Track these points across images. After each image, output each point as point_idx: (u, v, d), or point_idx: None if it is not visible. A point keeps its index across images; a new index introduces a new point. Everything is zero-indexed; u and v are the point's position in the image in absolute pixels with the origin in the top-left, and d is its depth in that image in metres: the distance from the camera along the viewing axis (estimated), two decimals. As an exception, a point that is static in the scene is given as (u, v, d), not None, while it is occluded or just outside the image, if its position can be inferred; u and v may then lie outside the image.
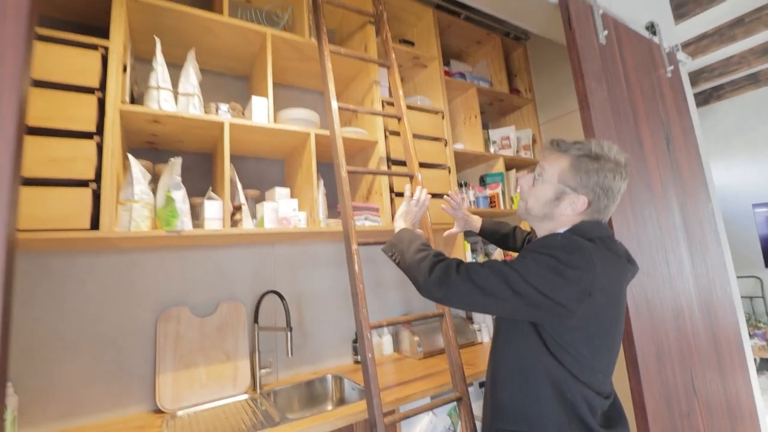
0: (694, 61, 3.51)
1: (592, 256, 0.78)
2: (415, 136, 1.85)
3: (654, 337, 1.14)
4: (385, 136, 1.85)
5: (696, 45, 3.36)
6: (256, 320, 1.66)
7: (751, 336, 3.83)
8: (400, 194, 1.82)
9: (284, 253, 1.86)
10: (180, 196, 1.27)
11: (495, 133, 2.41)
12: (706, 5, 2.67)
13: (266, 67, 1.60)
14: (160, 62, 1.33)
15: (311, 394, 1.68)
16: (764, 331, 3.85)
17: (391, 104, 1.89)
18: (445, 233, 1.39)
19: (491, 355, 0.96)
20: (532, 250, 0.81)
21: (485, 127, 2.75)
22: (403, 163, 1.83)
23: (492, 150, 2.36)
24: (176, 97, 1.38)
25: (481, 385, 1.62)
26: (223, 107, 1.53)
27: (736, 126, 4.43)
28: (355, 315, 1.24)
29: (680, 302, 1.28)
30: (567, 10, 1.27)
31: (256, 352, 1.62)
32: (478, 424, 1.48)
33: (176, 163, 1.28)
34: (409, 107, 1.92)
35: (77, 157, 1.14)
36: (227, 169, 1.40)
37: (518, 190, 1.02)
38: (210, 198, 1.39)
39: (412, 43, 2.22)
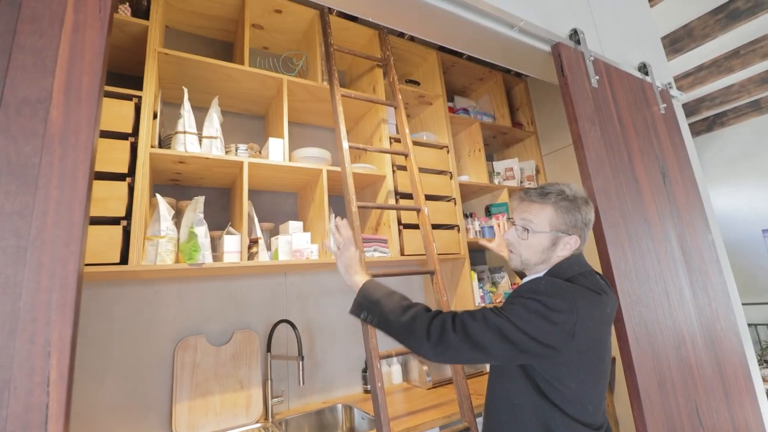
0: (694, 90, 3.60)
1: (574, 298, 0.82)
2: (421, 170, 1.95)
3: (656, 367, 1.17)
4: (393, 171, 1.95)
5: (695, 76, 3.47)
6: (269, 349, 1.71)
7: (764, 365, 3.72)
8: (409, 226, 1.89)
9: (296, 282, 1.93)
10: (202, 232, 1.37)
11: (499, 165, 2.51)
12: (700, 41, 2.80)
13: (282, 109, 1.73)
14: (187, 109, 1.46)
15: (322, 424, 1.71)
16: (782, 360, 3.74)
17: (398, 140, 2.00)
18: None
19: (487, 390, 0.98)
20: (520, 296, 0.86)
21: (490, 158, 2.85)
22: (410, 196, 1.92)
23: (496, 181, 2.45)
24: (200, 139, 1.50)
25: (490, 415, 1.64)
26: (242, 147, 1.64)
27: (741, 152, 4.47)
28: (365, 344, 1.30)
29: (682, 332, 1.31)
30: (559, 58, 1.38)
31: (269, 381, 1.66)
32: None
33: (200, 201, 1.39)
34: (415, 143, 2.03)
35: (111, 197, 1.25)
36: (245, 204, 1.50)
37: (504, 239, 1.03)
38: (229, 233, 1.48)
39: (417, 83, 2.36)
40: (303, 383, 1.54)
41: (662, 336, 1.23)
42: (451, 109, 2.43)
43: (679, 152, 1.74)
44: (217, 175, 1.65)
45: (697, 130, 4.65)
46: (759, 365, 3.77)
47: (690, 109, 4.12)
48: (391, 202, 1.89)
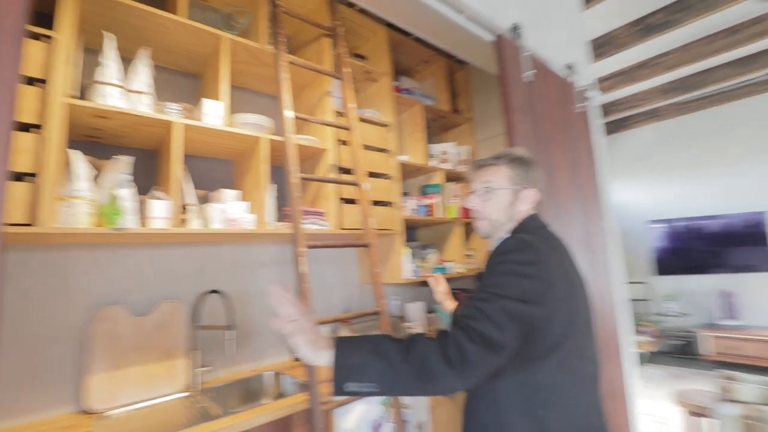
0: (608, 94, 4.03)
1: (538, 247, 0.84)
2: (364, 146, 1.98)
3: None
4: (335, 145, 1.95)
5: (611, 81, 3.88)
6: (197, 319, 1.67)
7: (640, 333, 4.47)
8: (348, 200, 1.93)
9: (228, 253, 1.88)
10: (126, 194, 1.28)
11: (436, 148, 2.62)
12: (619, 48, 3.13)
13: (221, 70, 1.63)
14: (111, 58, 1.32)
15: (251, 390, 1.73)
16: (651, 328, 4.51)
17: (342, 115, 1.99)
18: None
19: (466, 419, 0.94)
20: (492, 266, 0.86)
21: (428, 140, 2.96)
22: (350, 171, 1.95)
23: (433, 163, 2.56)
24: (126, 93, 1.37)
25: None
26: (174, 106, 1.53)
27: (639, 152, 5.13)
28: (300, 313, 1.33)
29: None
30: (499, 51, 1.48)
31: (196, 351, 1.63)
32: (407, 412, 1.64)
33: (125, 161, 1.28)
34: (360, 119, 2.04)
35: (17, 150, 1.11)
36: (177, 168, 1.42)
37: (469, 214, 1.07)
38: (157, 197, 1.40)
39: (364, 58, 2.35)
40: (230, 352, 1.54)
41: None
42: (396, 88, 2.46)
43: (590, 148, 1.98)
44: (143, 134, 1.52)
45: (608, 130, 5.22)
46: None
47: (606, 109, 4.60)
48: (332, 175, 1.90)
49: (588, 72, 2.29)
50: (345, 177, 1.91)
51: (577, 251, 1.65)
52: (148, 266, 1.64)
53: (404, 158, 2.35)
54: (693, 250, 4.64)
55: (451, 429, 1.96)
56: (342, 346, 0.74)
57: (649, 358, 4.61)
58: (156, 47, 1.61)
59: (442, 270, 2.45)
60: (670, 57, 3.44)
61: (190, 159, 1.80)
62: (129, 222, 1.26)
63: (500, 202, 0.98)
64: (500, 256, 0.85)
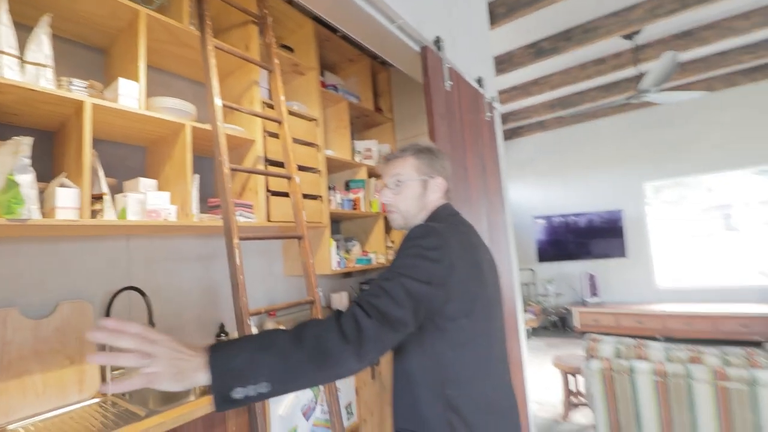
0: (506, 105, 4.58)
1: (444, 233, 0.87)
2: (293, 140, 1.99)
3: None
4: (263, 137, 1.93)
5: (509, 93, 4.41)
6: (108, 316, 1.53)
7: (525, 311, 5.21)
8: (276, 193, 1.93)
9: (142, 247, 1.75)
10: (27, 181, 1.13)
11: (360, 144, 2.73)
12: (516, 65, 3.58)
13: (137, 47, 1.50)
14: (4, 22, 1.14)
15: (172, 392, 1.64)
16: (534, 308, 5.29)
17: (271, 106, 1.98)
18: None
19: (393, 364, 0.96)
20: (401, 250, 0.87)
21: (352, 137, 3.05)
22: (277, 164, 1.95)
23: (357, 159, 2.66)
24: (23, 65, 1.20)
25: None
26: (78, 83, 1.37)
27: (528, 158, 5.92)
28: (235, 304, 1.33)
29: (485, 286, 1.80)
30: (425, 60, 1.63)
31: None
32: (336, 394, 1.74)
33: (24, 143, 1.13)
34: (289, 113, 2.04)
35: None
36: (87, 154, 1.29)
37: (384, 208, 1.07)
38: (63, 185, 1.25)
39: (291, 49, 2.34)
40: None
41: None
42: (322, 84, 2.50)
43: (494, 152, 2.28)
44: (41, 113, 1.34)
45: (505, 136, 5.91)
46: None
47: (504, 118, 5.20)
48: (260, 167, 1.88)
49: (493, 85, 2.61)
50: (277, 170, 1.91)
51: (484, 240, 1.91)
52: (46, 263, 1.45)
53: (330, 153, 2.41)
54: (567, 241, 5.53)
55: (377, 407, 2.11)
56: (219, 352, 0.63)
57: (532, 333, 5.40)
58: (57, 14, 1.42)
59: (366, 261, 2.57)
60: (554, 77, 4.06)
61: (98, 143, 1.63)
62: (33, 212, 1.12)
63: (411, 193, 0.99)
64: (408, 241, 0.87)
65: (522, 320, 2.37)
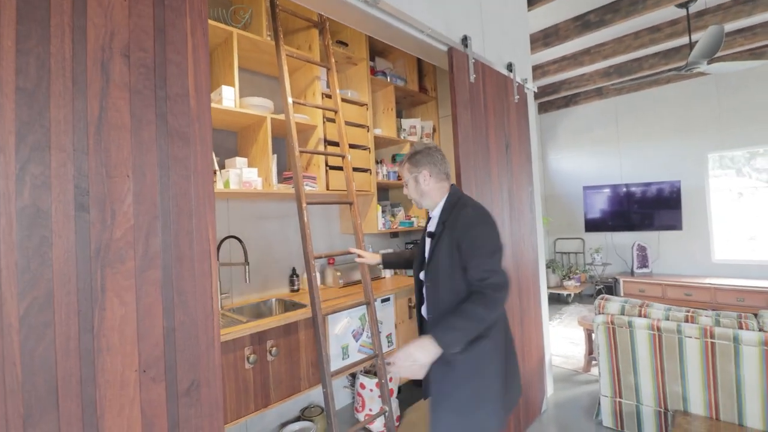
0: (558, 74, 4.58)
1: (481, 204, 1.38)
2: (345, 123, 2.45)
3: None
4: (324, 122, 2.41)
5: (559, 64, 4.42)
6: (217, 257, 2.17)
7: (570, 278, 5.39)
8: (333, 167, 2.43)
9: (237, 208, 2.36)
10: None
11: (405, 122, 3.11)
12: (563, 39, 3.64)
13: (232, 58, 2.03)
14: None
15: (261, 311, 2.29)
16: (579, 276, 5.43)
17: (329, 96, 2.44)
18: (357, 260, 1.93)
19: (431, 296, 1.36)
20: (468, 230, 1.27)
21: (398, 115, 3.43)
22: (335, 143, 2.43)
23: (402, 136, 3.06)
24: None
25: (384, 300, 2.41)
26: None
27: (584, 126, 5.81)
28: (304, 250, 1.87)
29: (499, 247, 2.17)
30: (451, 60, 1.97)
31: (217, 282, 2.15)
32: (380, 325, 2.25)
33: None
34: (342, 100, 2.49)
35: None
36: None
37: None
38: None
39: (346, 44, 2.75)
40: (249, 281, 2.07)
41: (487, 247, 2.06)
42: (372, 70, 2.89)
43: (522, 131, 2.55)
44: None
45: (557, 105, 5.84)
46: (565, 278, 5.39)
47: (555, 88, 5.18)
48: (321, 148, 2.38)
49: (527, 66, 2.81)
50: (333, 149, 2.40)
51: (503, 211, 2.26)
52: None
53: (378, 132, 2.84)
54: (619, 211, 5.49)
55: (411, 339, 2.64)
56: (438, 336, 1.15)
57: (574, 298, 5.58)
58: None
59: (409, 224, 3.04)
60: (607, 47, 4.01)
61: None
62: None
63: (413, 188, 1.45)
64: (472, 224, 1.28)
65: (544, 282, 2.71)
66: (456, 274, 1.29)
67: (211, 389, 1.01)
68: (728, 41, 3.68)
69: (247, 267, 2.08)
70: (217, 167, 1.96)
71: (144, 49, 0.91)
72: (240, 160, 2.11)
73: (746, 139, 4.53)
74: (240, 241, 2.11)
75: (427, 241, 1.44)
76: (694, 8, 3.25)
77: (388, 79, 2.95)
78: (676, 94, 4.99)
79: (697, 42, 2.83)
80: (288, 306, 2.25)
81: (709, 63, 2.97)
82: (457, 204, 1.38)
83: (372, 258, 1.94)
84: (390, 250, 3.09)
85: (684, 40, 3.78)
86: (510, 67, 2.48)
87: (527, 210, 2.52)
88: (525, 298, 2.41)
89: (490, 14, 2.40)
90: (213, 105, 1.90)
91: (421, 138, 3.20)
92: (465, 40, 2.05)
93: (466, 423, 1.25)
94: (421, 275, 1.44)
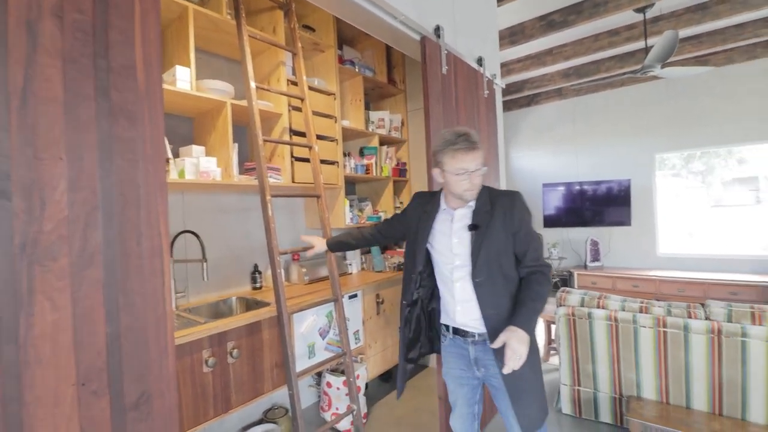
0: (522, 73, 4.68)
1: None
2: (312, 112, 2.34)
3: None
4: (288, 110, 2.28)
5: (523, 63, 4.51)
6: (171, 254, 2.01)
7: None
8: (300, 159, 2.31)
9: (193, 200, 2.19)
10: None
11: (374, 115, 3.04)
12: (528, 37, 3.70)
13: (186, 37, 1.86)
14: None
15: (220, 311, 2.15)
16: (539, 270, 5.65)
17: (295, 83, 2.31)
18: (309, 253, 1.86)
19: (487, 284, 1.32)
20: (527, 220, 1.34)
21: (366, 107, 3.35)
22: (301, 134, 2.32)
23: (370, 128, 2.99)
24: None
25: (351, 296, 2.34)
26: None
27: (545, 125, 6.02)
28: (268, 245, 1.76)
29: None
30: (423, 49, 1.92)
31: (171, 280, 1.99)
32: (346, 322, 2.19)
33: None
34: (309, 89, 2.37)
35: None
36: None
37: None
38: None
39: (312, 30, 2.62)
40: (207, 279, 1.93)
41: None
42: (340, 59, 2.79)
43: (491, 125, 2.56)
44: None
45: (520, 104, 6.00)
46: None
47: (518, 87, 5.30)
48: (286, 137, 2.26)
49: (496, 62, 2.83)
50: (299, 140, 2.28)
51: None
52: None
53: (346, 123, 2.75)
54: (574, 208, 5.75)
55: (380, 336, 2.59)
56: (530, 328, 1.23)
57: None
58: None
59: (377, 218, 2.98)
60: (567, 48, 4.14)
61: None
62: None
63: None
64: (526, 210, 1.35)
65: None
66: (509, 263, 1.32)
67: (164, 400, 0.90)
68: (677, 48, 3.91)
69: (204, 264, 1.94)
70: (171, 155, 1.79)
71: (81, 11, 0.77)
72: (197, 149, 1.95)
73: (690, 142, 4.88)
74: (197, 236, 1.95)
75: (464, 235, 1.35)
76: (650, 14, 3.42)
77: (357, 69, 2.86)
78: (629, 97, 5.27)
79: (652, 46, 2.97)
80: (250, 304, 2.13)
81: (662, 67, 3.14)
82: (491, 192, 1.37)
83: (320, 244, 1.85)
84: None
85: (639, 44, 3.98)
86: (480, 61, 2.47)
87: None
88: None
89: (462, 7, 2.38)
90: (166, 86, 1.73)
91: (390, 132, 3.14)
92: (438, 30, 2.01)
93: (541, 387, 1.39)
94: (456, 271, 1.37)
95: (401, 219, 1.62)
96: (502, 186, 2.85)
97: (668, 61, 3.18)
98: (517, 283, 1.35)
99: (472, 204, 1.36)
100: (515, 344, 1.17)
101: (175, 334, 1.48)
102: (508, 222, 1.31)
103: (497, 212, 1.31)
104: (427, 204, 1.47)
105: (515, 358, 1.17)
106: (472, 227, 1.33)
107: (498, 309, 1.31)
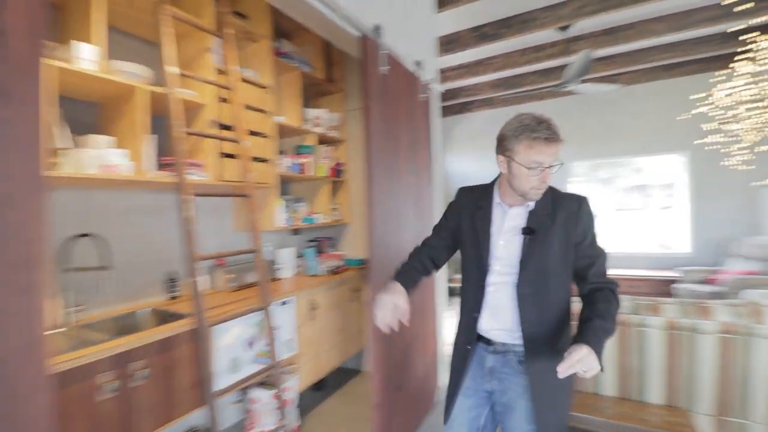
0: (455, 81, 4.84)
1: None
2: (245, 106, 2.16)
3: (386, 261, 1.93)
4: (214, 101, 2.08)
5: (457, 71, 4.68)
6: (66, 261, 1.71)
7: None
8: (229, 155, 2.12)
9: (100, 198, 1.90)
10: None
11: (311, 112, 2.92)
12: (462, 47, 3.83)
13: (97, 10, 1.60)
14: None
15: (127, 325, 1.88)
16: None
17: (223, 73, 2.12)
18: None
19: (537, 294, 1.15)
20: (592, 228, 1.17)
21: (306, 105, 3.22)
22: (229, 127, 2.13)
23: (307, 126, 2.86)
24: None
25: (285, 303, 2.20)
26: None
27: (477, 131, 6.31)
28: (187, 250, 1.57)
29: (403, 239, 2.14)
30: (364, 46, 1.86)
31: (67, 291, 1.69)
32: (276, 331, 2.05)
33: None
34: (241, 79, 2.19)
35: None
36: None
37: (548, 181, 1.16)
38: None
39: (245, 17, 2.44)
40: (106, 292, 1.68)
41: (395, 241, 2.02)
42: (276, 51, 2.63)
43: (427, 130, 2.59)
44: None
45: (455, 110, 6.23)
46: (457, 272, 5.77)
47: (453, 94, 5.49)
48: (212, 130, 2.05)
49: (433, 66, 2.88)
50: (227, 133, 2.09)
51: (409, 208, 2.25)
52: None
53: (281, 119, 2.59)
54: (504, 212, 6.11)
55: (314, 342, 2.47)
56: (598, 347, 1.00)
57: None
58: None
59: (311, 220, 2.85)
60: (497, 60, 4.37)
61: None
62: None
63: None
64: (593, 216, 1.18)
65: (440, 275, 2.81)
66: (566, 274, 1.16)
67: (39, 444, 0.72)
68: (592, 67, 4.32)
69: (108, 272, 1.68)
70: (66, 144, 1.53)
71: None
72: (102, 139, 1.69)
73: (598, 152, 5.42)
74: (98, 239, 1.69)
75: (514, 238, 1.18)
76: (571, 33, 3.72)
77: (294, 63, 2.72)
78: (550, 109, 5.72)
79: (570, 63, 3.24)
80: (164, 317, 1.90)
81: (578, 84, 3.43)
82: (554, 193, 1.19)
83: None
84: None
85: (561, 61, 4.32)
86: (419, 64, 2.48)
87: (428, 208, 2.56)
88: (423, 291, 2.45)
89: (401, 9, 2.37)
90: (63, 65, 1.47)
91: (328, 131, 3.04)
92: (377, 29, 1.97)
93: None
94: (492, 276, 1.19)
95: (448, 224, 1.39)
96: (441, 188, 2.89)
97: (583, 78, 3.49)
98: (567, 301, 1.20)
99: (531, 204, 1.17)
100: (585, 350, 0.96)
101: (63, 358, 1.25)
102: (570, 230, 1.14)
103: (559, 217, 1.14)
104: (479, 199, 1.28)
105: (574, 360, 0.95)
106: (527, 230, 1.15)
107: (541, 327, 1.14)
